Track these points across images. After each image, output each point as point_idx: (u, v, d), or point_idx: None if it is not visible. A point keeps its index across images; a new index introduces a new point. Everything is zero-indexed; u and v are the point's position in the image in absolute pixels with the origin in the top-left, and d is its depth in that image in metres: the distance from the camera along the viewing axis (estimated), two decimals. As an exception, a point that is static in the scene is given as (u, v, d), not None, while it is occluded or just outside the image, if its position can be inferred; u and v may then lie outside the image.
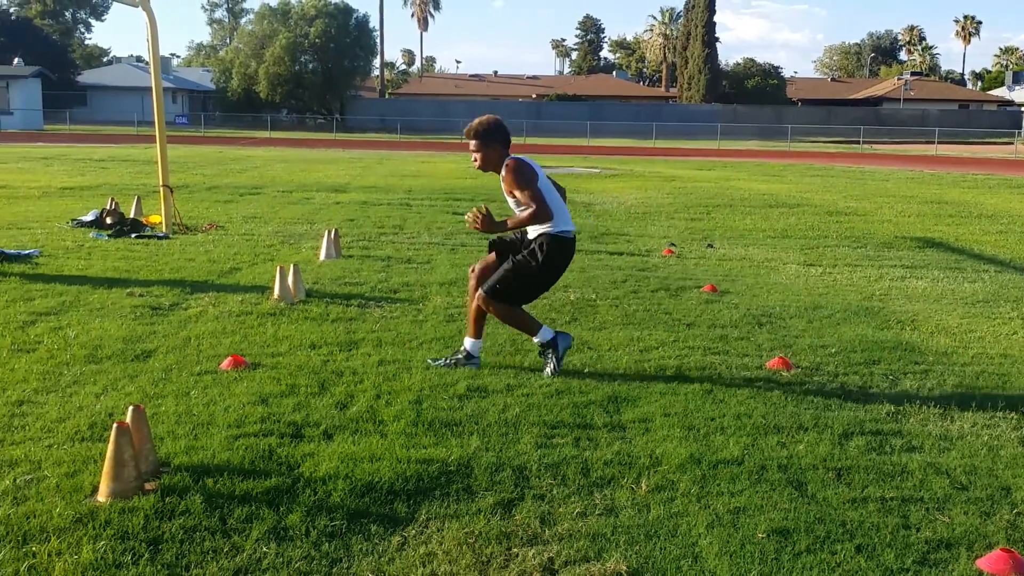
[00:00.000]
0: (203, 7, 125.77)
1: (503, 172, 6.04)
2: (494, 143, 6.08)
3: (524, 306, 6.30)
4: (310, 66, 69.85)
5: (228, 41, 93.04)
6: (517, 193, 5.95)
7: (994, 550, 3.63)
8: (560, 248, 6.07)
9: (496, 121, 6.14)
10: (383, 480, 4.26)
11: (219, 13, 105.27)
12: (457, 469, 4.43)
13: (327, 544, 3.69)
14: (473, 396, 5.57)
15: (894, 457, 4.71)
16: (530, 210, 5.82)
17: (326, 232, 10.82)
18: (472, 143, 6.08)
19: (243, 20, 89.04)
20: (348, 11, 70.54)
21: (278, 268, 8.24)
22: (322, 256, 10.51)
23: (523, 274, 6.03)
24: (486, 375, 6.01)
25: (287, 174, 24.44)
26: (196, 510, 3.90)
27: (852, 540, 3.78)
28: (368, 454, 4.56)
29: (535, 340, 6.19)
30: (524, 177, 5.92)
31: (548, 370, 6.04)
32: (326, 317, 7.57)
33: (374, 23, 75.56)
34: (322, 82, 69.74)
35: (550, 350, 6.10)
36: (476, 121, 6.11)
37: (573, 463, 4.53)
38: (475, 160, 6.13)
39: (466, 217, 6.06)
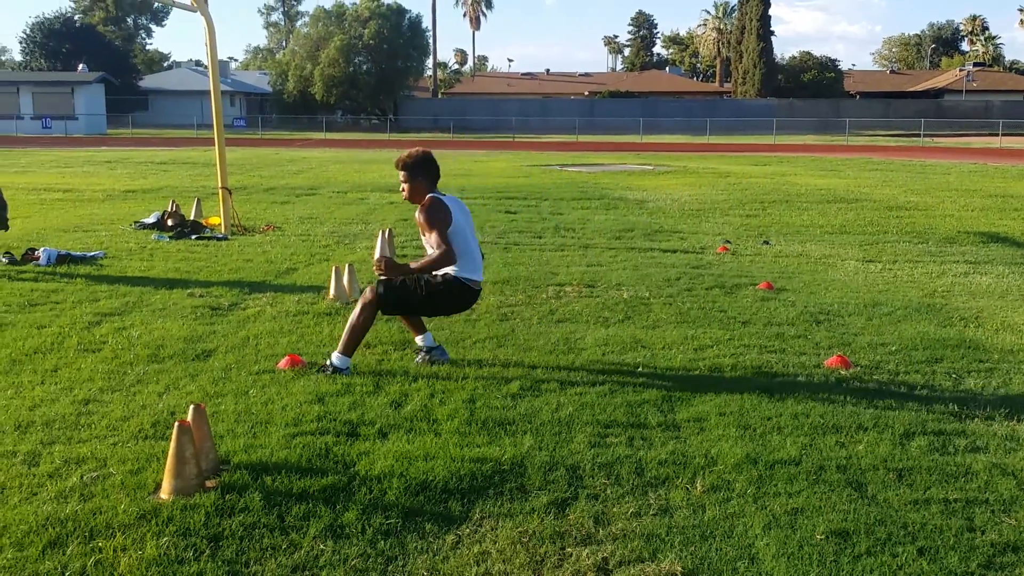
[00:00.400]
0: (260, 11, 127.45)
1: (418, 210, 6.03)
2: (419, 177, 6.09)
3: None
4: (364, 67, 70.42)
5: (284, 44, 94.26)
6: (426, 233, 5.95)
7: (1063, 554, 3.54)
8: (459, 290, 6.03)
9: (425, 155, 6.16)
10: (437, 479, 4.29)
11: (275, 16, 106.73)
12: (511, 468, 4.44)
13: (383, 542, 3.72)
14: (526, 395, 5.57)
15: (958, 458, 4.62)
16: (436, 253, 5.78)
17: (380, 232, 10.89)
18: (401, 174, 6.14)
19: (299, 23, 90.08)
20: (401, 12, 70.98)
21: (333, 268, 8.32)
22: (377, 255, 10.57)
23: (410, 288, 5.99)
24: (539, 373, 6.01)
25: (342, 175, 24.67)
26: (255, 507, 3.96)
27: (914, 542, 3.71)
28: (422, 453, 4.59)
29: (333, 358, 6.04)
30: (435, 218, 5.89)
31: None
32: (380, 317, 7.59)
33: (427, 23, 76.03)
34: (376, 83, 70.25)
35: (333, 371, 5.97)
36: (406, 154, 6.17)
37: (627, 463, 4.51)
38: (403, 191, 6.20)
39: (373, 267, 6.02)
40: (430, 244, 5.91)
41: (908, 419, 5.16)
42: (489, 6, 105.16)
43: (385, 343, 6.77)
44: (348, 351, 6.06)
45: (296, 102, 70.19)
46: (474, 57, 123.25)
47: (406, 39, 70.48)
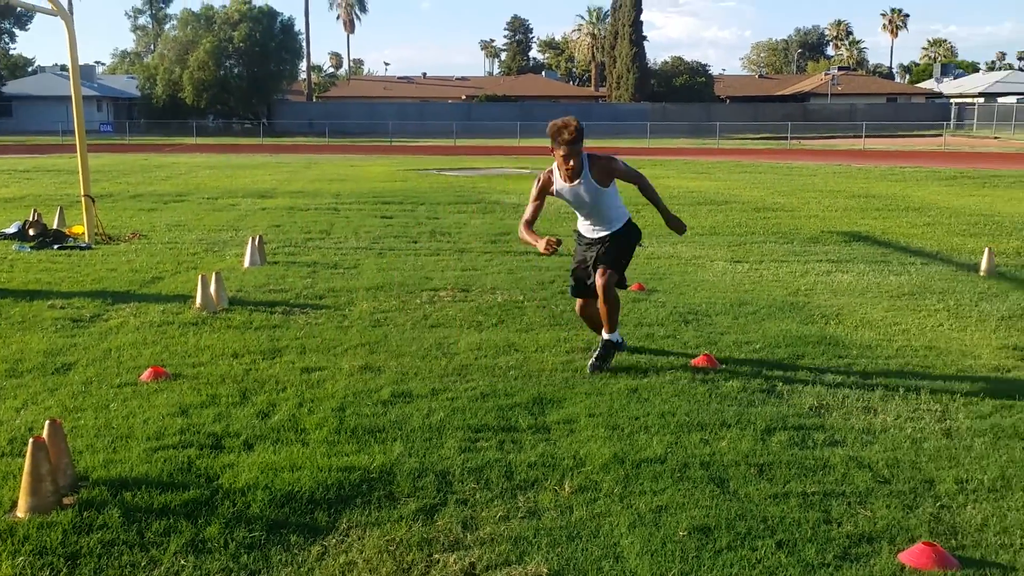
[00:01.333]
0: (127, 14, 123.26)
1: (597, 165, 6.12)
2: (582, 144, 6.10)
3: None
4: (235, 71, 68.98)
5: (152, 48, 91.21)
6: (625, 174, 6.23)
7: (916, 543, 3.67)
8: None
9: (579, 122, 6.16)
10: (303, 489, 4.20)
11: (143, 19, 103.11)
12: (379, 476, 4.38)
13: (246, 556, 3.63)
14: (398, 402, 5.51)
15: (816, 452, 4.77)
16: (650, 184, 6.45)
17: (250, 239, 10.65)
18: (566, 148, 5.98)
19: (167, 26, 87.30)
20: (272, 14, 69.82)
21: (200, 276, 8.09)
22: (246, 263, 10.35)
23: (630, 248, 6.46)
24: (411, 379, 5.96)
25: (212, 180, 24.05)
26: (114, 524, 3.82)
27: (773, 536, 3.81)
28: (289, 463, 4.49)
29: (611, 336, 6.25)
30: (620, 160, 6.32)
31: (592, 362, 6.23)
32: (249, 325, 7.45)
33: (299, 26, 75.01)
34: (248, 86, 68.90)
35: (615, 348, 6.29)
36: (567, 128, 5.97)
37: (497, 467, 4.50)
38: (569, 166, 6.05)
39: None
40: (630, 177, 6.28)
41: (770, 415, 5.30)
42: (363, 9, 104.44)
43: (253, 352, 6.60)
44: (616, 326, 6.23)
45: (165, 107, 68.21)
46: (349, 60, 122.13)
47: (278, 42, 69.38)
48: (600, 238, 6.36)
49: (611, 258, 6.25)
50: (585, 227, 6.44)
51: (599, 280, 6.15)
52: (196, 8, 70.24)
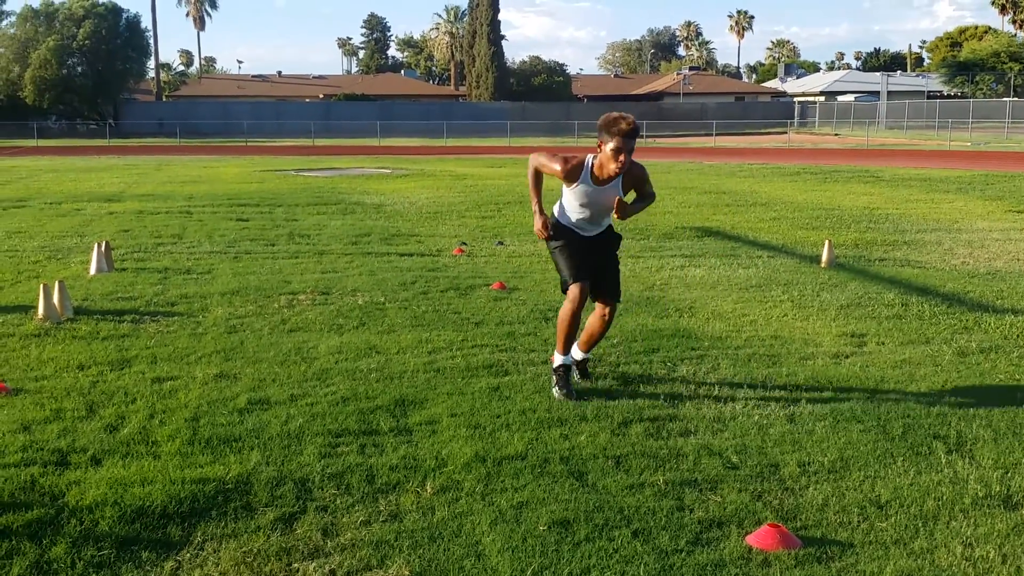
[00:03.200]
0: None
1: (636, 172, 5.68)
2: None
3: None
4: (79, 69, 66.06)
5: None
6: (647, 187, 5.78)
7: (762, 526, 3.83)
8: None
9: None
10: (155, 504, 4.07)
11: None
12: (235, 486, 4.28)
13: (95, 575, 3.49)
14: (255, 409, 5.40)
15: (670, 441, 4.91)
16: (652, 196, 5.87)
17: (96, 245, 10.22)
18: (632, 143, 5.51)
19: (3, 23, 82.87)
20: (117, 11, 67.20)
21: (42, 285, 7.71)
22: (92, 271, 9.92)
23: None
24: (269, 386, 5.84)
25: (56, 184, 22.95)
26: (-53, 551, 3.60)
27: (629, 525, 3.91)
28: (139, 477, 4.34)
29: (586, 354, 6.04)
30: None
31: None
32: (96, 335, 7.15)
33: (147, 23, 72.09)
34: (93, 86, 66.10)
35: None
36: (629, 122, 5.47)
37: (358, 471, 4.46)
38: (622, 161, 5.51)
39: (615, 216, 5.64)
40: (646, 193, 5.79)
41: (626, 408, 5.43)
42: (214, 6, 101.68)
43: (100, 363, 6.34)
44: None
45: (3, 107, 64.65)
46: (200, 58, 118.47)
47: (124, 40, 66.85)
48: (600, 238, 5.93)
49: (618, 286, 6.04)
50: (583, 223, 5.83)
51: (610, 308, 5.90)
52: (36, 4, 66.52)
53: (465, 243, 12.54)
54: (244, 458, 4.62)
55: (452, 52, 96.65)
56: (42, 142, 51.77)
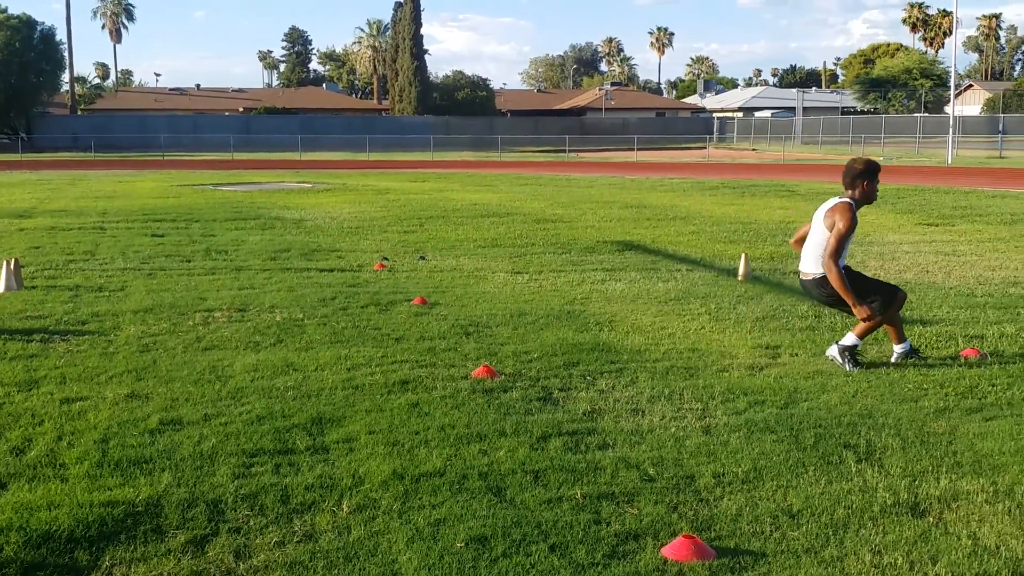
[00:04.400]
0: None
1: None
2: None
3: None
4: (-9, 82, 64.06)
5: None
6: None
7: (677, 537, 3.87)
8: None
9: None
10: (62, 528, 3.95)
11: None
12: (145, 509, 4.18)
13: (-6, 609, 3.36)
14: (167, 430, 5.27)
15: (588, 455, 4.93)
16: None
17: (4, 262, 9.89)
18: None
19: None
20: (31, 23, 65.39)
21: (-57, 305, 7.44)
22: (0, 289, 9.60)
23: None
24: (182, 406, 5.72)
25: (-37, 199, 22.21)
26: None
27: (547, 540, 3.91)
28: (46, 501, 4.21)
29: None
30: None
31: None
32: (3, 355, 6.92)
33: (61, 35, 70.37)
34: (5, 99, 64.08)
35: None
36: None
37: (272, 491, 4.39)
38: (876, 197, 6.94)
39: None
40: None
41: (546, 422, 5.45)
42: (131, 18, 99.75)
43: (7, 384, 6.14)
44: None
45: (-93, 119, 62.40)
46: (116, 71, 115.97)
47: (38, 52, 65.02)
48: None
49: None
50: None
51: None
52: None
53: (387, 258, 12.47)
54: (155, 480, 4.51)
55: (375, 66, 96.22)
56: (-52, 156, 50.06)
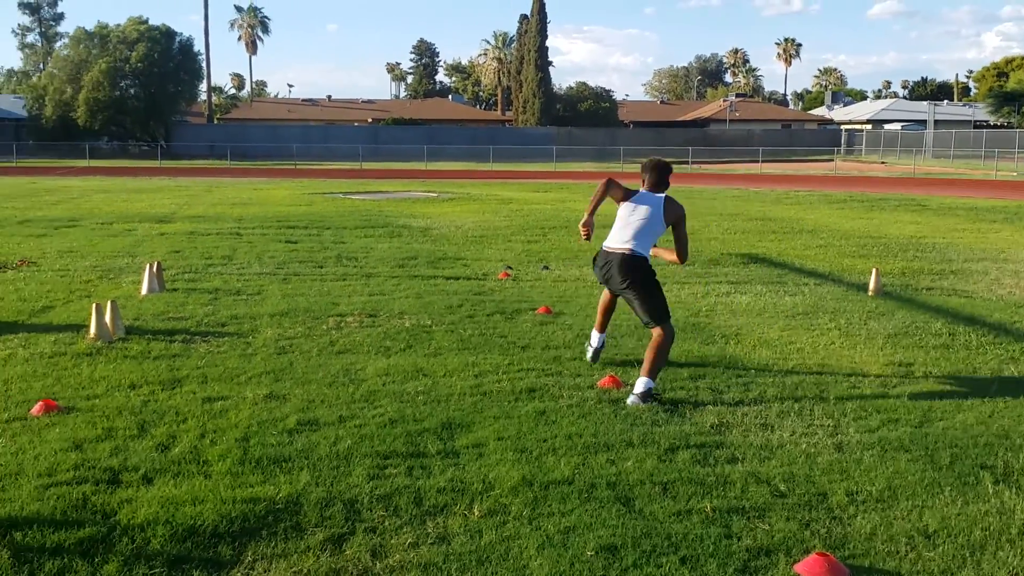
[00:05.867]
0: (13, 32, 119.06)
1: None
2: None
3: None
4: (132, 91, 67.29)
5: (42, 67, 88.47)
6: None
7: (810, 554, 3.80)
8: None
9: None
10: (206, 523, 4.12)
11: (31, 38, 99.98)
12: (285, 507, 4.33)
13: (146, 594, 3.54)
14: (304, 430, 5.45)
15: (717, 468, 4.89)
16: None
17: (148, 265, 10.40)
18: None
19: (57, 44, 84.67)
20: (171, 34, 68.42)
21: (95, 305, 7.86)
22: (144, 290, 10.10)
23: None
24: (318, 407, 5.90)
25: (107, 205, 23.41)
26: (3, 565, 3.70)
27: (677, 552, 3.89)
28: (190, 497, 4.40)
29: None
30: None
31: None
32: (147, 355, 7.27)
33: (199, 46, 73.33)
34: (145, 108, 67.25)
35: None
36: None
37: (406, 493, 4.49)
38: None
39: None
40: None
41: (673, 434, 5.42)
42: (266, 30, 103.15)
43: (152, 383, 6.45)
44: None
45: (56, 128, 65.86)
46: (252, 82, 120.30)
47: (177, 62, 67.99)
48: None
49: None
50: None
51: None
52: (89, 27, 67.92)
53: (511, 267, 12.58)
54: (294, 478, 4.67)
55: (499, 77, 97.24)
56: (94, 162, 52.87)
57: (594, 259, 6.90)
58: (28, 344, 7.61)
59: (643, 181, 6.90)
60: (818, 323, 8.84)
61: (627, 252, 6.55)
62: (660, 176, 6.89)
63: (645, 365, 6.25)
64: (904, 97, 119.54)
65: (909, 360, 7.31)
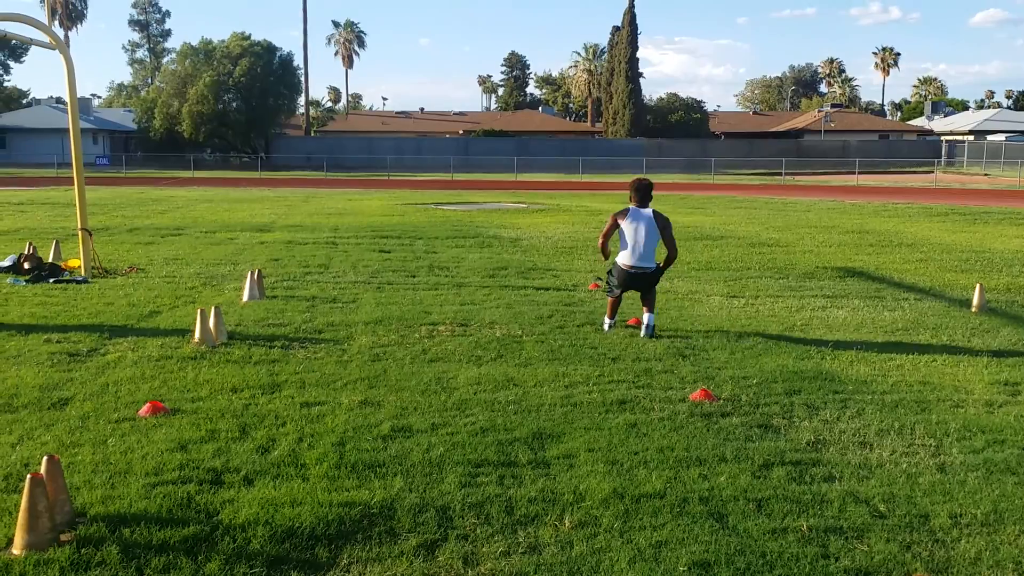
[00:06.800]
0: (124, 47, 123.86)
1: None
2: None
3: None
4: (234, 104, 69.24)
5: (150, 81, 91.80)
6: None
7: (912, 576, 3.71)
8: (616, 270, 9.11)
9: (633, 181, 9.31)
10: (304, 525, 4.22)
11: (140, 53, 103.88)
12: (380, 511, 4.40)
13: (247, 593, 3.64)
14: (397, 436, 5.54)
15: (813, 487, 4.80)
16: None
17: (249, 273, 10.69)
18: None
19: (165, 59, 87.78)
20: (272, 49, 70.24)
21: (199, 311, 8.12)
22: (245, 297, 10.39)
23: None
24: (411, 414, 5.99)
25: (210, 214, 24.14)
26: (112, 561, 3.83)
27: (772, 571, 3.84)
28: (289, 499, 4.51)
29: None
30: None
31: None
32: (248, 360, 7.48)
33: (298, 61, 75.31)
34: (246, 120, 69.13)
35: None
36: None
37: (497, 501, 4.53)
38: None
39: None
40: None
41: (767, 450, 5.34)
42: (362, 45, 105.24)
43: (252, 387, 6.63)
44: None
45: (163, 140, 68.37)
46: (347, 95, 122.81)
47: (277, 77, 69.71)
48: None
49: None
50: None
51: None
52: (195, 42, 70.22)
53: (600, 278, 12.55)
54: (388, 484, 4.75)
55: (589, 89, 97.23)
56: (198, 173, 54.54)
57: (610, 272, 9.30)
58: (136, 347, 7.90)
59: (631, 199, 9.10)
60: (919, 339, 8.61)
61: (651, 269, 8.91)
62: (646, 193, 9.14)
63: (649, 305, 8.83)
64: (1008, 107, 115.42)
65: (1016, 379, 7.07)
